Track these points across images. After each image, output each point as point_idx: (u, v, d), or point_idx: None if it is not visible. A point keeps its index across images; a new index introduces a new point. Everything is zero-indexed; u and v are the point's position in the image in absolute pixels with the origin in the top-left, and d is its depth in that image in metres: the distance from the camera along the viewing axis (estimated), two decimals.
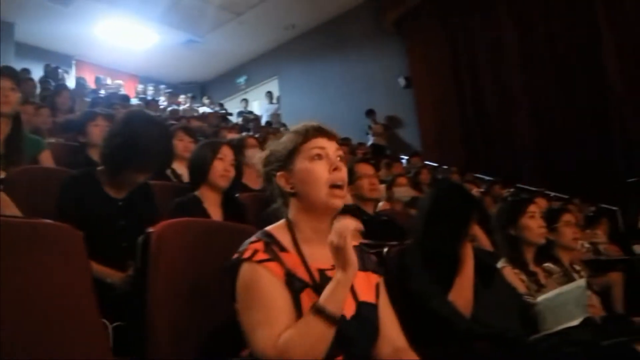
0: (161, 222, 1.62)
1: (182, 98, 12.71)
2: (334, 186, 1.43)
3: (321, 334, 1.25)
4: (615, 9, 8.56)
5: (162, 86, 13.22)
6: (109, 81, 11.93)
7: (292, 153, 1.47)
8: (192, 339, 1.51)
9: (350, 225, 1.29)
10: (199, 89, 15.94)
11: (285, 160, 1.48)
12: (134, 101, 10.32)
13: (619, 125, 8.41)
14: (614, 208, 7.82)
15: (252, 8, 12.11)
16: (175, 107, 11.32)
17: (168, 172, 3.64)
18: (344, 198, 1.46)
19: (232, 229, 1.83)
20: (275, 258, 1.35)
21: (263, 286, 1.31)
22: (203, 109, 12.46)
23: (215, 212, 2.70)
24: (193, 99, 12.96)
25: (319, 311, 1.25)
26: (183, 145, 3.86)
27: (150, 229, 1.57)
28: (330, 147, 1.47)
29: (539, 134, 9.43)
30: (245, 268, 1.34)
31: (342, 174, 1.45)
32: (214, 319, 1.50)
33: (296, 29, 13.45)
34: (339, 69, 12.90)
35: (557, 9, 9.33)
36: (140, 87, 13.09)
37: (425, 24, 11.39)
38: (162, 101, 11.93)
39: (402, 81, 11.69)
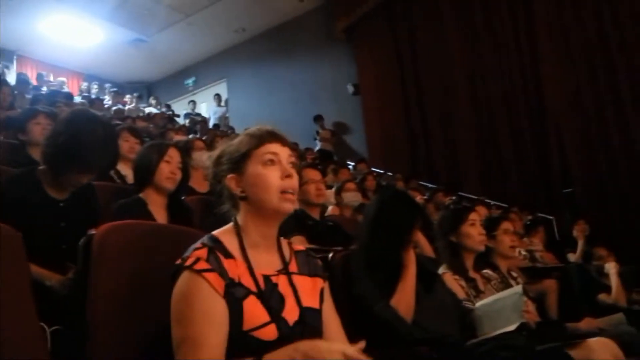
0: (104, 224, 1.58)
1: (127, 98, 12.44)
2: (285, 192, 1.43)
3: None
4: (556, 32, 8.92)
5: (108, 85, 12.88)
6: (51, 78, 11.58)
7: (244, 156, 1.46)
8: (132, 345, 1.47)
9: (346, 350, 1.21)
10: (146, 89, 15.64)
11: (237, 163, 1.46)
12: (78, 99, 10.04)
13: (557, 139, 8.74)
14: (550, 217, 8.10)
15: (202, 10, 12.01)
16: (120, 106, 11.07)
17: (112, 173, 3.57)
18: (295, 203, 1.46)
19: (177, 232, 1.80)
20: (216, 268, 1.32)
21: (198, 300, 1.28)
22: (149, 110, 12.24)
23: (160, 215, 2.66)
24: (139, 99, 12.72)
25: None
26: (128, 145, 3.81)
27: (92, 231, 1.53)
28: (283, 153, 1.47)
29: (480, 144, 9.71)
30: (184, 276, 1.31)
31: (294, 181, 1.46)
32: (156, 325, 1.45)
33: (246, 32, 13.40)
34: (288, 74, 12.92)
35: (503, 25, 9.64)
36: (84, 85, 12.73)
37: (375, 33, 11.55)
38: (107, 100, 11.64)
39: (350, 88, 11.81)
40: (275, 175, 1.43)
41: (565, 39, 8.80)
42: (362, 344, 1.23)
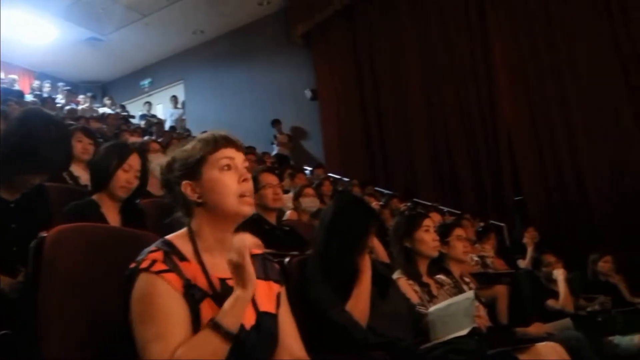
0: (56, 227, 1.55)
1: (81, 97, 12.16)
2: (243, 196, 1.44)
3: (216, 350, 1.24)
4: (509, 43, 9.16)
5: (61, 84, 12.55)
6: (2, 75, 11.22)
7: (200, 162, 1.45)
8: (84, 350, 1.45)
9: (248, 241, 1.30)
10: (100, 89, 15.27)
11: (191, 169, 1.46)
12: (29, 98, 9.78)
13: (508, 148, 8.97)
14: (501, 224, 8.29)
15: (159, 10, 11.82)
16: (73, 106, 10.82)
17: (65, 174, 3.49)
18: (253, 206, 1.47)
19: (130, 236, 1.77)
20: (174, 269, 1.33)
21: (159, 298, 1.28)
22: (103, 110, 11.99)
23: (113, 218, 2.60)
24: (93, 99, 12.41)
25: (215, 326, 1.24)
26: (81, 146, 3.73)
27: (44, 233, 1.49)
28: (239, 158, 1.48)
29: (435, 151, 9.87)
30: (142, 278, 1.30)
31: (250, 185, 1.47)
32: (109, 329, 1.44)
33: (205, 34, 13.26)
34: (247, 77, 12.85)
35: (459, 36, 9.85)
36: (36, 83, 12.40)
37: (333, 39, 11.62)
38: (60, 99, 11.36)
39: (308, 93, 11.83)
40: (232, 180, 1.44)
41: (518, 50, 9.04)
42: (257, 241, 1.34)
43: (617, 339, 3.98)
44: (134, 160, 2.67)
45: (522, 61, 8.96)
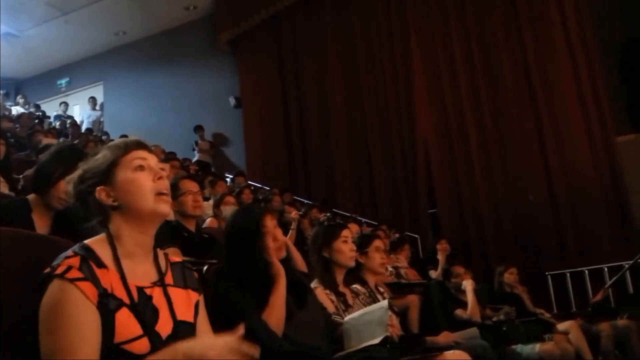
0: None
1: None
2: (159, 194, 1.43)
3: None
4: (428, 58, 9.52)
5: None
6: None
7: (112, 166, 1.44)
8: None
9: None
10: (14, 86, 14.54)
11: (104, 174, 1.44)
12: None
13: (424, 162, 9.27)
14: (416, 236, 8.57)
15: (80, 8, 11.45)
16: None
17: None
18: (169, 204, 1.47)
19: (44, 241, 1.72)
20: (90, 277, 1.29)
21: (70, 309, 1.23)
22: (16, 109, 11.43)
23: (42, 223, 2.41)
24: (6, 97, 11.82)
25: None
26: None
27: None
28: (151, 159, 1.48)
29: (355, 163, 10.06)
30: (54, 285, 1.26)
31: (166, 183, 1.47)
32: (18, 339, 1.38)
33: (127, 35, 12.94)
34: (169, 82, 12.61)
35: (381, 50, 10.11)
36: None
37: (259, 48, 11.63)
38: None
39: (232, 101, 11.77)
40: (147, 179, 1.44)
41: (435, 68, 9.40)
42: (240, 330, 1.29)
43: (519, 348, 4.21)
44: None
45: (440, 79, 9.32)
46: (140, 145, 1.49)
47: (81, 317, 1.24)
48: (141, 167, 1.44)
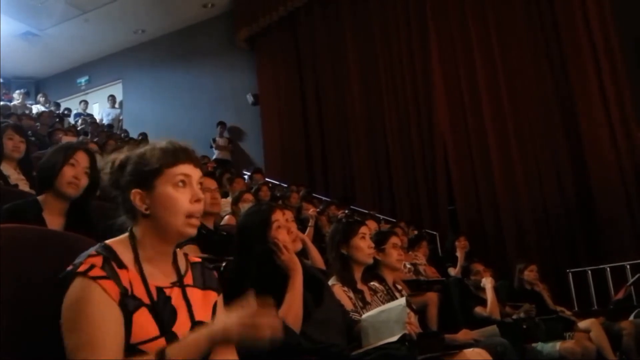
0: None
1: (15, 94, 11.67)
2: (191, 216, 1.42)
3: None
4: (447, 55, 9.45)
5: None
6: None
7: (155, 173, 1.41)
8: (18, 353, 1.41)
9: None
10: (34, 85, 14.69)
11: (145, 179, 1.41)
12: None
13: (443, 159, 9.23)
14: (434, 233, 8.52)
15: (100, 7, 11.54)
16: (6, 102, 10.40)
17: None
18: (197, 227, 1.46)
19: (67, 239, 1.71)
20: (112, 276, 1.29)
21: (93, 306, 1.24)
22: (37, 108, 11.57)
23: (55, 221, 2.44)
24: (27, 95, 11.95)
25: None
26: (12, 144, 3.60)
27: None
28: (195, 175, 1.45)
29: (373, 160, 10.05)
30: (77, 283, 1.27)
31: (201, 207, 1.45)
32: (41, 336, 1.38)
33: (146, 34, 13.03)
34: (188, 79, 12.68)
35: (400, 47, 10.07)
36: None
37: (277, 45, 11.63)
38: None
39: (250, 98, 11.80)
40: (185, 199, 1.41)
41: (454, 65, 9.34)
42: (251, 301, 1.32)
43: (539, 346, 4.17)
44: (80, 157, 2.51)
45: (459, 76, 9.26)
46: (189, 157, 1.46)
47: (104, 314, 1.25)
48: (183, 183, 1.42)
